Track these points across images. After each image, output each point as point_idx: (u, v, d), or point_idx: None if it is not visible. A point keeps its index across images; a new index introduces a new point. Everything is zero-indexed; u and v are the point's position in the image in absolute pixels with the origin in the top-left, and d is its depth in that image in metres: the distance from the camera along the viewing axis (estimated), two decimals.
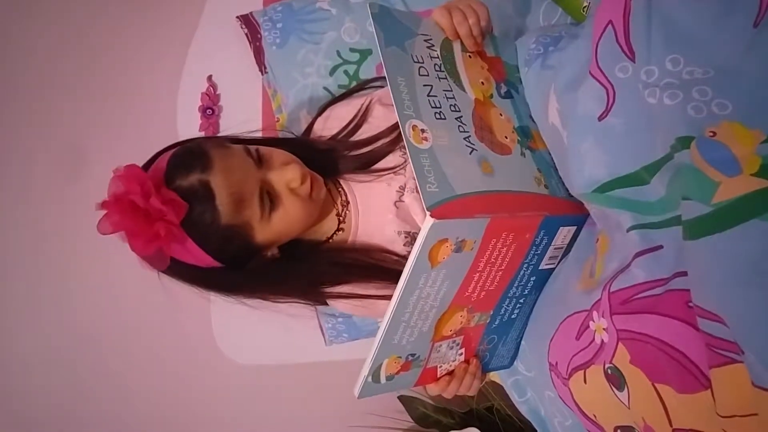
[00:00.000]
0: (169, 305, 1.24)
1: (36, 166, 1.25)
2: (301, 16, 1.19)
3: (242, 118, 1.21)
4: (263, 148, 0.93)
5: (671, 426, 0.63)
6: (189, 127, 1.25)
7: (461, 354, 0.86)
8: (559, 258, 0.85)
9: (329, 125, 1.07)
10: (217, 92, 1.27)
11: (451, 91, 0.79)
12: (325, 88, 1.19)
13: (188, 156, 0.87)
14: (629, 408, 0.67)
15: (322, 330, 1.23)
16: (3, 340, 1.25)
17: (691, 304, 0.60)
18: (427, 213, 0.65)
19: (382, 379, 0.77)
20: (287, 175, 0.91)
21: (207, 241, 0.87)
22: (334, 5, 1.18)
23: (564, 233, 0.82)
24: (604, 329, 0.69)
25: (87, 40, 1.27)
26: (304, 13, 1.18)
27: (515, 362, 0.92)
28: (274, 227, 0.91)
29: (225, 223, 0.86)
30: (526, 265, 0.81)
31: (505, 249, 0.75)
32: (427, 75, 0.78)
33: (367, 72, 1.17)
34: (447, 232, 0.67)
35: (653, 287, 0.65)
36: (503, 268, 0.78)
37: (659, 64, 0.65)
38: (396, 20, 0.79)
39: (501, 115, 0.84)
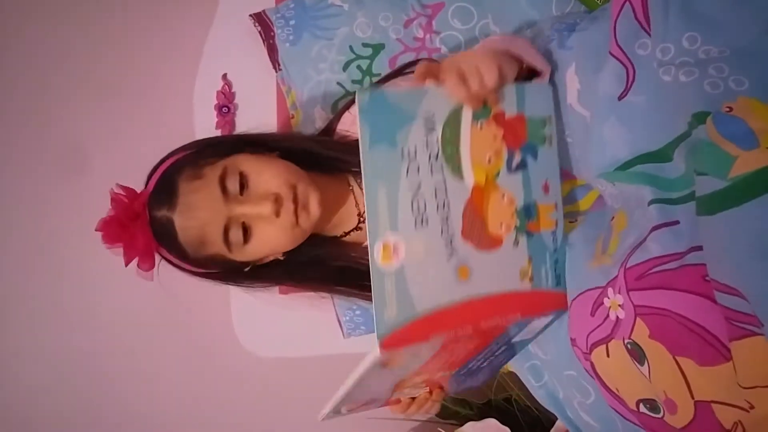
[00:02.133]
0: (189, 299, 1.27)
1: (51, 165, 1.27)
2: (313, 12, 1.20)
3: (257, 115, 1.23)
4: (251, 171, 0.90)
5: (693, 398, 0.63)
6: (205, 125, 1.27)
7: (425, 389, 0.86)
8: (535, 334, 0.83)
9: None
10: (233, 90, 1.29)
11: (444, 182, 0.72)
12: (339, 84, 1.20)
13: (161, 189, 0.91)
14: (650, 381, 0.67)
15: (339, 323, 1.24)
16: (23, 338, 1.27)
17: (707, 278, 0.61)
18: (377, 342, 0.64)
19: (343, 411, 0.79)
20: (260, 211, 0.88)
21: (186, 263, 0.93)
22: (346, 0, 1.19)
23: (541, 321, 0.80)
24: (619, 305, 0.69)
25: (103, 41, 1.29)
26: (317, 10, 1.20)
27: (531, 347, 0.92)
28: (253, 253, 0.92)
29: (193, 257, 0.90)
30: (495, 344, 0.79)
31: (468, 343, 0.74)
32: (417, 172, 0.70)
33: (380, 66, 1.18)
34: (398, 354, 0.67)
35: (668, 261, 0.65)
36: (467, 350, 0.76)
37: (675, 42, 0.65)
38: (391, 107, 0.69)
39: (503, 197, 0.77)
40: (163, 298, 1.26)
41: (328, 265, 1.01)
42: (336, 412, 0.78)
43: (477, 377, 0.90)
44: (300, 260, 0.99)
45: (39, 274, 1.27)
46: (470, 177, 0.74)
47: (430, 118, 0.71)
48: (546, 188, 0.81)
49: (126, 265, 0.91)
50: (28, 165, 1.26)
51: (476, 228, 0.74)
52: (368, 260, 1.00)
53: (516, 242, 0.77)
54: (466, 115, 0.74)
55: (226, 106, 1.28)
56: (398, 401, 0.87)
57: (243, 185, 0.89)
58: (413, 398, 0.87)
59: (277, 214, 0.88)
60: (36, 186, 1.26)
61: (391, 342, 0.64)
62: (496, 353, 0.83)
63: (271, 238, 0.90)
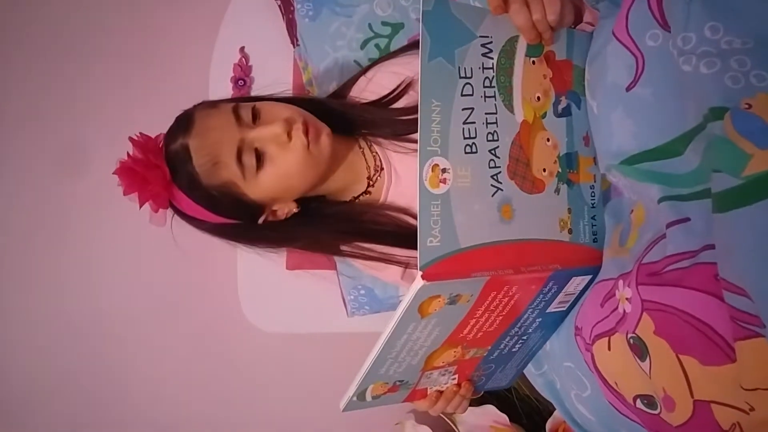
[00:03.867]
0: (196, 273, 1.28)
1: (65, 131, 1.28)
2: None
3: (273, 89, 1.23)
4: (262, 105, 0.93)
5: (692, 397, 0.63)
6: (221, 97, 1.26)
7: (454, 378, 0.84)
8: (570, 302, 0.80)
9: (371, 87, 1.07)
10: (249, 63, 1.28)
11: (496, 113, 0.71)
12: (356, 62, 1.19)
13: (177, 123, 0.93)
14: (650, 378, 0.67)
15: (344, 302, 1.24)
16: (31, 328, 1.28)
17: (718, 277, 0.60)
18: (419, 273, 0.64)
19: (368, 398, 0.78)
20: (272, 130, 0.89)
21: (198, 199, 0.92)
22: None
23: (577, 282, 0.78)
24: (627, 299, 0.69)
25: (121, 12, 1.29)
26: None
27: None
28: (266, 185, 0.92)
29: (207, 184, 0.90)
30: (531, 310, 0.78)
31: (506, 299, 0.73)
32: (471, 95, 0.69)
33: (399, 46, 1.16)
34: (439, 290, 0.66)
35: (681, 260, 0.65)
36: (504, 313, 0.75)
37: (697, 31, 0.64)
38: (454, 19, 0.68)
39: (548, 140, 0.77)
40: (168, 274, 1.28)
41: (339, 223, 1.02)
42: (361, 398, 0.76)
43: (505, 372, 0.89)
44: (312, 218, 1.00)
45: (43, 243, 1.28)
46: (520, 112, 0.74)
47: (487, 42, 0.71)
48: (586, 141, 0.81)
49: (140, 206, 0.91)
50: (41, 139, 1.27)
51: (521, 167, 0.74)
52: (379, 219, 1.03)
53: (557, 190, 0.77)
54: (521, 47, 0.74)
55: (242, 79, 1.27)
56: (424, 394, 0.84)
57: (255, 117, 0.91)
58: (440, 392, 0.85)
59: (289, 135, 0.89)
60: (46, 157, 1.27)
61: (433, 272, 0.64)
62: (530, 330, 0.81)
63: (284, 164, 0.90)
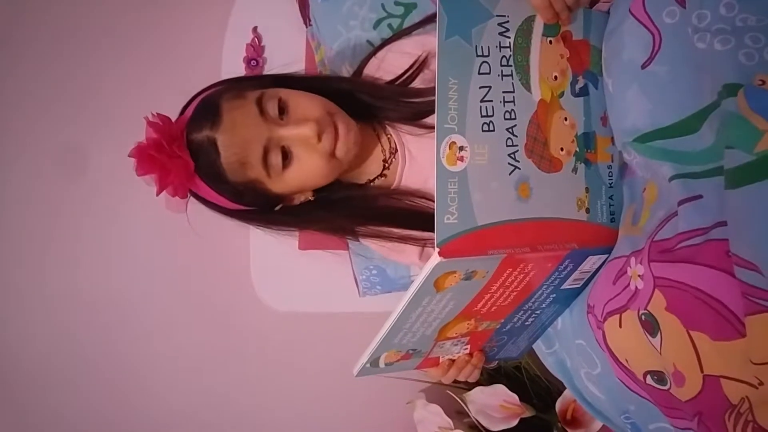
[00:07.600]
0: (208, 252, 1.29)
1: (71, 119, 1.29)
2: None
3: (286, 70, 1.23)
4: (289, 97, 0.91)
5: (702, 372, 0.63)
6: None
7: (466, 348, 0.85)
8: (585, 280, 0.81)
9: (384, 67, 1.07)
10: (262, 44, 1.29)
11: (513, 92, 0.72)
12: (369, 42, 1.18)
13: (203, 110, 0.91)
14: (660, 354, 0.68)
15: (356, 281, 1.25)
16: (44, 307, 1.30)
17: (730, 253, 0.60)
18: (436, 249, 0.64)
19: (381, 365, 0.79)
20: (302, 132, 0.88)
21: (221, 191, 0.92)
22: None
23: (593, 261, 0.79)
24: (639, 276, 0.69)
25: None
26: None
27: None
28: (291, 182, 0.92)
29: (233, 180, 0.89)
30: (546, 286, 0.78)
31: (522, 276, 0.74)
32: (489, 73, 0.70)
33: None
34: (456, 267, 0.67)
35: (693, 237, 0.65)
36: (519, 289, 0.76)
37: (712, 8, 0.64)
38: None
39: (565, 119, 0.78)
40: (182, 250, 1.29)
41: (356, 207, 1.02)
42: (374, 364, 0.77)
43: (517, 343, 0.90)
44: (328, 202, 1.00)
45: (58, 226, 1.30)
46: (537, 90, 0.75)
47: (504, 21, 0.72)
48: (604, 120, 0.81)
49: (158, 193, 0.89)
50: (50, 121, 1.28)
51: (538, 145, 0.74)
52: (395, 202, 1.03)
53: (575, 169, 0.78)
54: (538, 26, 0.75)
55: (254, 60, 1.28)
56: (437, 362, 0.85)
57: (282, 110, 0.89)
58: (452, 361, 0.86)
59: (319, 137, 0.88)
60: (53, 139, 1.28)
61: (449, 249, 0.65)
62: (544, 305, 0.82)
63: (310, 165, 0.90)
